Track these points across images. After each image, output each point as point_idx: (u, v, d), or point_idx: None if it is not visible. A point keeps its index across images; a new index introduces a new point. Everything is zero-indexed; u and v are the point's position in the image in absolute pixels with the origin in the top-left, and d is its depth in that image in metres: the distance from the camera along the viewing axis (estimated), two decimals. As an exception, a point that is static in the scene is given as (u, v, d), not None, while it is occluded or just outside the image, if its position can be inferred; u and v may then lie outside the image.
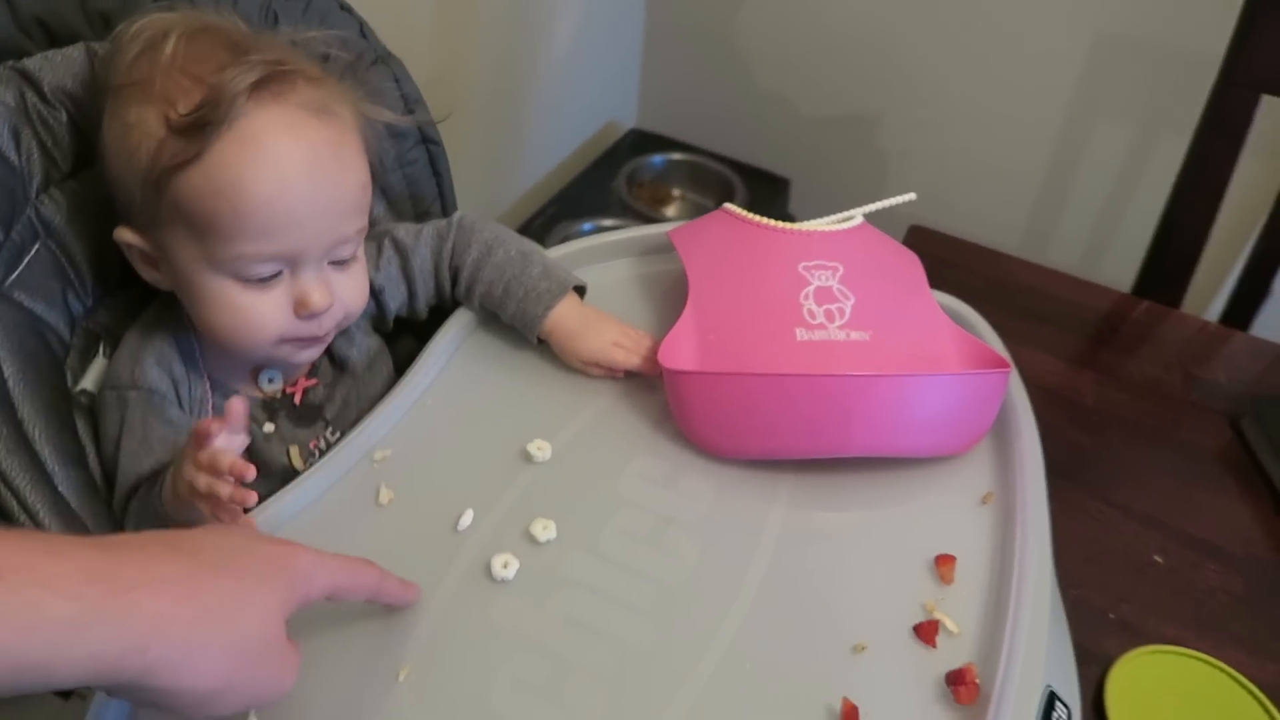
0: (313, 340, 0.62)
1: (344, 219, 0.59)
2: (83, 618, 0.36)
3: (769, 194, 1.74)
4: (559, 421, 0.65)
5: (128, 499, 0.60)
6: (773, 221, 0.68)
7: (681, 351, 0.64)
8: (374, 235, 0.71)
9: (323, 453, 0.63)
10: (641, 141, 1.82)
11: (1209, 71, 1.00)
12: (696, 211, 1.55)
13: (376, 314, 0.71)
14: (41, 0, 0.60)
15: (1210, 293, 1.42)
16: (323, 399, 0.68)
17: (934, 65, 1.57)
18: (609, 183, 1.70)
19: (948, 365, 0.66)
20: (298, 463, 0.66)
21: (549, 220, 1.62)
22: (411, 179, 0.76)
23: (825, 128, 1.73)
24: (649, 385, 0.68)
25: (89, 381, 0.62)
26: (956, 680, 0.52)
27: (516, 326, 0.69)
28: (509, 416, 0.65)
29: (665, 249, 0.76)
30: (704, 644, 0.53)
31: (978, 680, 0.51)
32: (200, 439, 0.52)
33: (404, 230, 0.71)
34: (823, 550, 0.59)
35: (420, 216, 0.77)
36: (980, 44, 1.52)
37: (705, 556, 0.58)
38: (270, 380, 0.66)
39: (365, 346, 0.70)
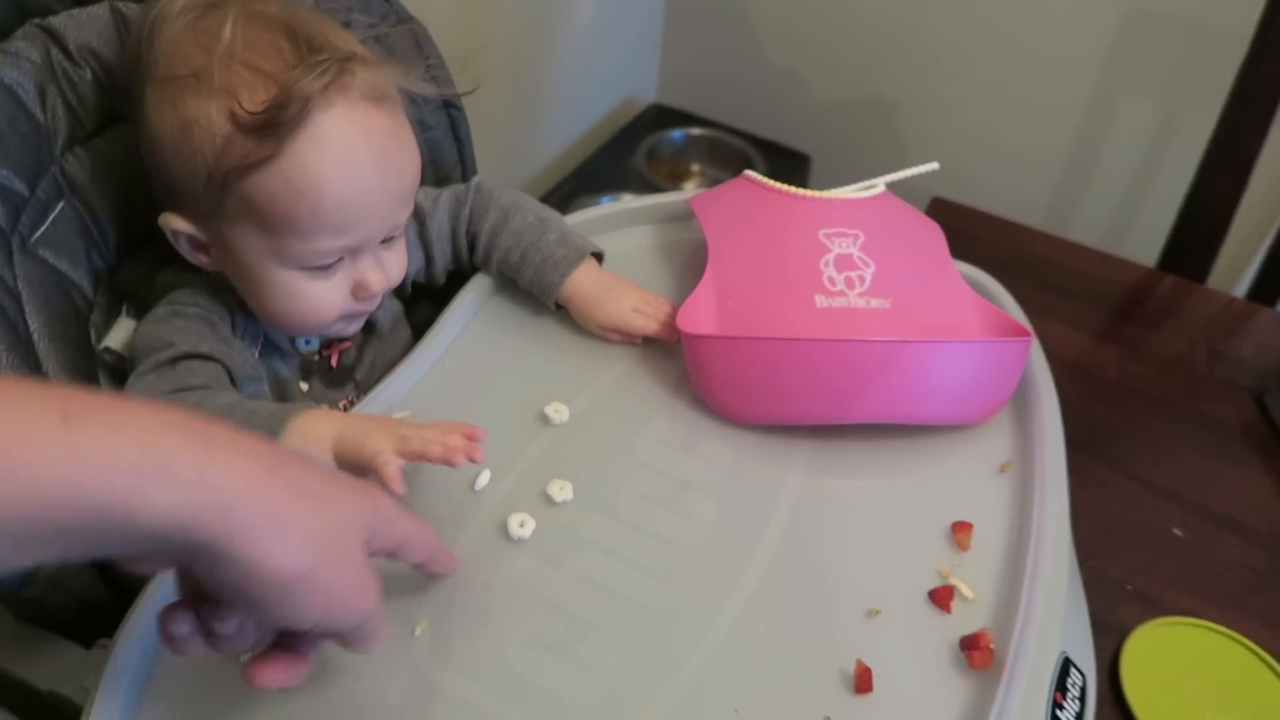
0: (364, 315, 0.64)
1: (404, 204, 0.60)
2: (159, 459, 0.34)
3: (789, 170, 1.72)
4: (577, 385, 0.65)
5: (157, 367, 0.58)
6: (793, 188, 0.68)
7: (700, 317, 0.64)
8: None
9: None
10: (661, 116, 1.81)
11: (1238, 46, 0.99)
12: (716, 187, 1.54)
13: (396, 279, 0.72)
14: (66, -42, 0.60)
15: (1237, 269, 1.40)
16: (354, 360, 0.69)
17: (958, 41, 1.55)
18: (628, 158, 1.69)
19: (968, 334, 0.65)
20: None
21: (567, 195, 1.61)
22: (433, 143, 0.76)
23: (846, 103, 1.71)
24: (667, 351, 0.68)
25: (114, 340, 0.63)
26: (971, 645, 0.51)
27: (534, 292, 0.69)
28: (527, 380, 0.66)
29: (685, 217, 0.76)
30: (719, 606, 0.53)
31: (992, 645, 0.51)
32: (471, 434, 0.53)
33: (422, 195, 0.71)
34: (839, 515, 0.59)
35: (440, 182, 0.77)
36: (1006, 19, 1.50)
37: (721, 520, 0.58)
38: (307, 342, 0.67)
39: (390, 309, 0.71)
